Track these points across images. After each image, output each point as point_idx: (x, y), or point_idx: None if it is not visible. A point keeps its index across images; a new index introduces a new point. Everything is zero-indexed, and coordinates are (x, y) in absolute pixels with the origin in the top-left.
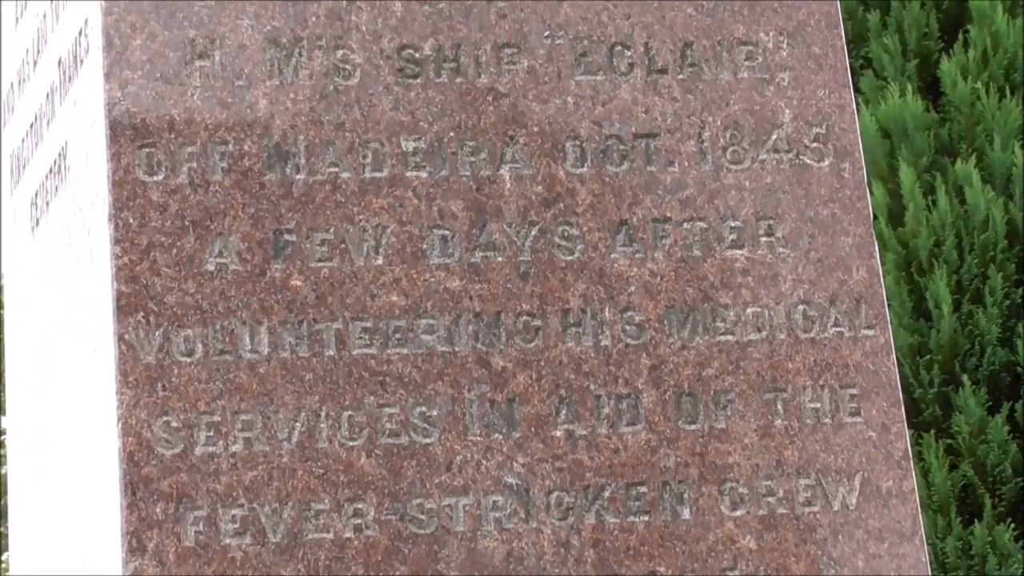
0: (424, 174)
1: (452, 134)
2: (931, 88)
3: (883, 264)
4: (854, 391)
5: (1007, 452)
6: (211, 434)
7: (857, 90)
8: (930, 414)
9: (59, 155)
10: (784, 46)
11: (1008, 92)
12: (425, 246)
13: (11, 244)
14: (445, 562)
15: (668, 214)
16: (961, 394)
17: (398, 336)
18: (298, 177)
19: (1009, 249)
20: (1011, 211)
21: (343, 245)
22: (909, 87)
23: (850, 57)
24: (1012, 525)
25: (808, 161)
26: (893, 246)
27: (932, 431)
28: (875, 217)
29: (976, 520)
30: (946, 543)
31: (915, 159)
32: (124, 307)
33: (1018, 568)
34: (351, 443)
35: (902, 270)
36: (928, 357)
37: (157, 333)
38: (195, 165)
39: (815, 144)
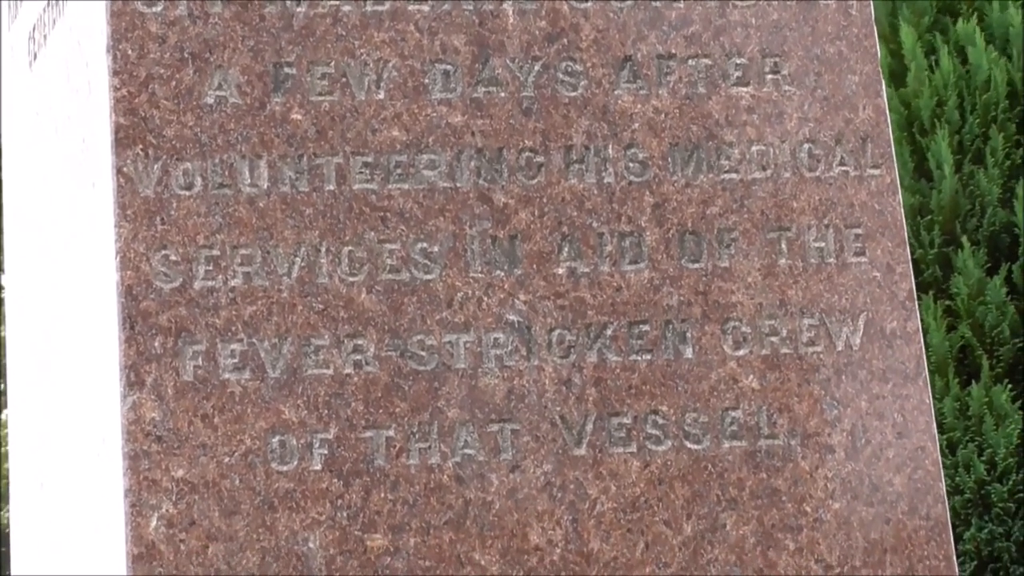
0: (426, 8)
1: None
2: None
3: None
4: (859, 231)
5: (1005, 313)
6: (210, 268)
7: None
8: (930, 275)
9: None
10: None
11: None
12: (427, 80)
13: (8, 80)
14: (445, 399)
15: (673, 50)
16: (960, 255)
17: (399, 171)
18: (299, 10)
19: (1010, 109)
20: (1011, 71)
21: (344, 79)
22: None
23: None
24: (1009, 386)
25: None
26: (895, 106)
27: (931, 292)
28: None
29: (974, 381)
30: (944, 404)
31: (916, 19)
32: (122, 139)
33: (1015, 428)
34: (351, 279)
35: (904, 130)
36: (929, 218)
37: (156, 166)
38: None
39: None
